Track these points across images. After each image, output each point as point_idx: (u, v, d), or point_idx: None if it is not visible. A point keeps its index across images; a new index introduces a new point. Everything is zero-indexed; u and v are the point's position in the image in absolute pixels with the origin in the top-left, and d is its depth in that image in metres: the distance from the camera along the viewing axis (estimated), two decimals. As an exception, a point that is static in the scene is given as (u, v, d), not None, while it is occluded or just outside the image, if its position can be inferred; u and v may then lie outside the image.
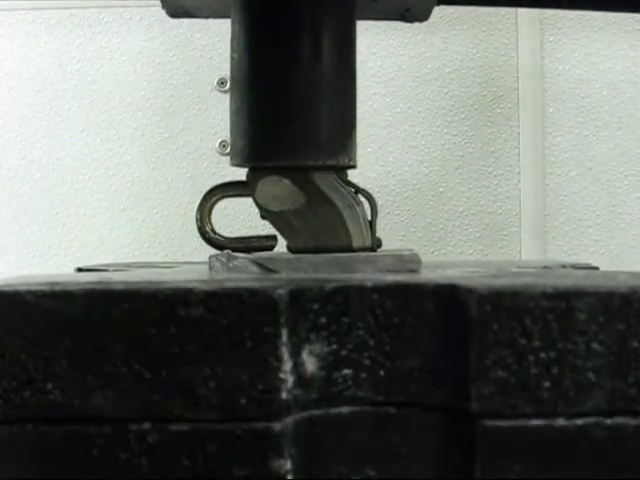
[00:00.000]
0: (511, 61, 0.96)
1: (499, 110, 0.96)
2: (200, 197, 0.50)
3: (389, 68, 0.95)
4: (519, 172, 0.95)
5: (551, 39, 0.95)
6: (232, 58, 0.50)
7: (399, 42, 0.96)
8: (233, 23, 0.50)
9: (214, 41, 0.97)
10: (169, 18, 0.57)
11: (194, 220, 0.50)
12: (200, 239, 0.50)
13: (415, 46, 0.95)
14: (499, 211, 0.95)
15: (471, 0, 0.75)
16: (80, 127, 0.97)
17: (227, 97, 0.95)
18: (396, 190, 0.94)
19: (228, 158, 0.94)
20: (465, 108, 0.96)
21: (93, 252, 0.95)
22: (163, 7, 0.55)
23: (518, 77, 0.95)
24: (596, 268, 0.54)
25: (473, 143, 0.95)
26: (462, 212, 0.95)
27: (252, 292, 0.39)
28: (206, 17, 0.56)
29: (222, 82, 0.98)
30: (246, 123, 0.49)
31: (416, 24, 0.60)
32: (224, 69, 0.95)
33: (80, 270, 0.52)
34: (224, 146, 0.97)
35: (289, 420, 0.39)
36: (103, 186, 0.97)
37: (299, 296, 0.40)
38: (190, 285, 0.39)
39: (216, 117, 0.97)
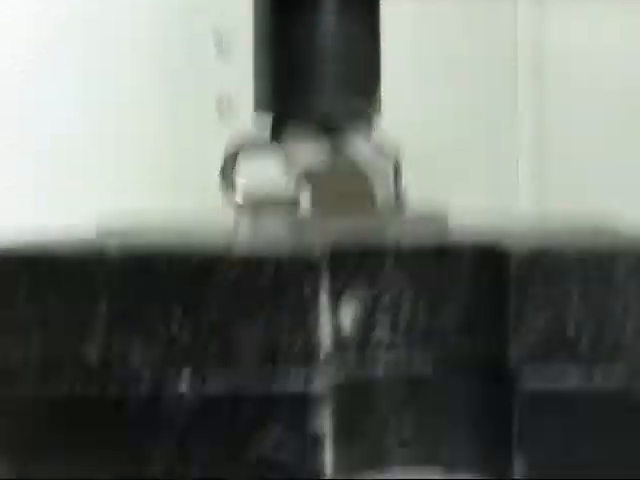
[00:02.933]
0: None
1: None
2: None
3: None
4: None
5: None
6: (255, 14, 0.49)
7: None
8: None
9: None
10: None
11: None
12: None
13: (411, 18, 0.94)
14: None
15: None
16: (72, 90, 0.96)
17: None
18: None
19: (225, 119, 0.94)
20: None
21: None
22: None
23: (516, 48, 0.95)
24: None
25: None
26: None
27: (291, 253, 0.38)
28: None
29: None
30: (271, 77, 0.48)
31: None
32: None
33: (102, 231, 0.51)
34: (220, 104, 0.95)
35: (326, 380, 0.39)
36: (101, 152, 0.95)
37: (336, 256, 0.40)
38: (228, 247, 0.39)
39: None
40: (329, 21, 0.49)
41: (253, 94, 0.50)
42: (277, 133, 0.49)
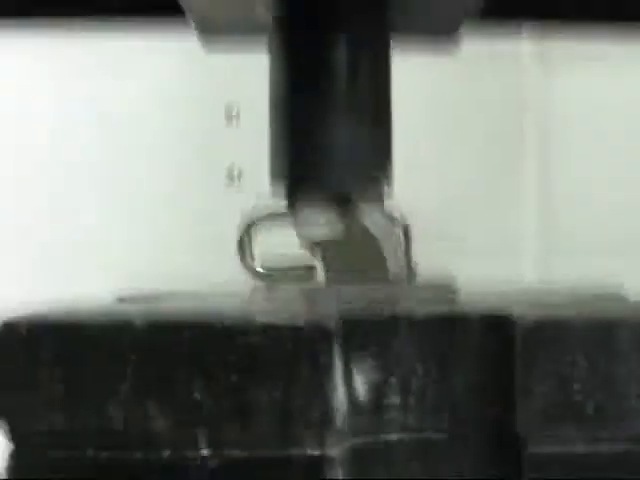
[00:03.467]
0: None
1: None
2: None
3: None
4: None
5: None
6: (271, 89, 0.51)
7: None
8: (271, 54, 0.51)
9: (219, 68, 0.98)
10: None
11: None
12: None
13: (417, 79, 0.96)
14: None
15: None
16: (81, 168, 0.97)
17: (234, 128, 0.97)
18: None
19: (235, 187, 0.96)
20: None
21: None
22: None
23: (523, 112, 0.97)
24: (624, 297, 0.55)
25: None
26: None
27: (309, 322, 0.40)
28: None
29: (230, 112, 0.99)
30: (285, 153, 0.50)
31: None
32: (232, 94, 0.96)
33: (122, 299, 0.53)
34: (231, 173, 0.98)
35: (343, 446, 0.40)
36: (111, 228, 0.97)
37: (351, 326, 0.41)
38: (249, 316, 0.40)
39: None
40: (342, 93, 0.51)
41: (269, 176, 0.52)
42: (292, 204, 0.51)
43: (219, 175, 0.98)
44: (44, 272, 0.96)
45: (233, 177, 0.97)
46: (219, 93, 0.98)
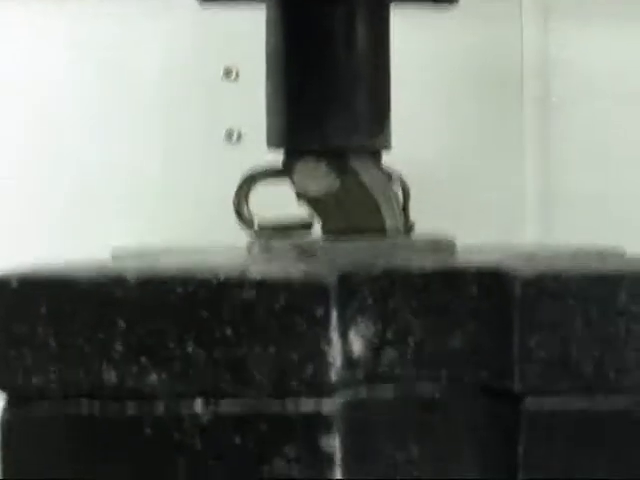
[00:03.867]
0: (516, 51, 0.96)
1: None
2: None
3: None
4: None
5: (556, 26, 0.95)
6: (268, 42, 0.51)
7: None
8: (269, 8, 0.50)
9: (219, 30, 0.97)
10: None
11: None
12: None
13: (418, 32, 0.95)
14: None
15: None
16: (85, 126, 0.96)
17: (234, 86, 0.96)
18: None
19: (234, 147, 0.95)
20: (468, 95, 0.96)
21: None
22: (194, -7, 0.56)
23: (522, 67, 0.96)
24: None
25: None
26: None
27: (303, 276, 0.40)
28: (237, 1, 0.57)
29: (228, 72, 0.98)
30: (282, 107, 0.50)
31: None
32: (230, 57, 0.95)
33: (117, 254, 0.53)
34: (230, 135, 0.97)
35: (337, 400, 0.40)
36: (113, 183, 0.96)
37: (347, 280, 0.41)
38: (243, 270, 0.40)
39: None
40: (339, 50, 0.50)
41: (266, 131, 0.51)
42: (289, 165, 0.50)
43: (219, 135, 0.97)
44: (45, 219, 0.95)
45: (232, 139, 0.96)
46: (219, 54, 0.96)
